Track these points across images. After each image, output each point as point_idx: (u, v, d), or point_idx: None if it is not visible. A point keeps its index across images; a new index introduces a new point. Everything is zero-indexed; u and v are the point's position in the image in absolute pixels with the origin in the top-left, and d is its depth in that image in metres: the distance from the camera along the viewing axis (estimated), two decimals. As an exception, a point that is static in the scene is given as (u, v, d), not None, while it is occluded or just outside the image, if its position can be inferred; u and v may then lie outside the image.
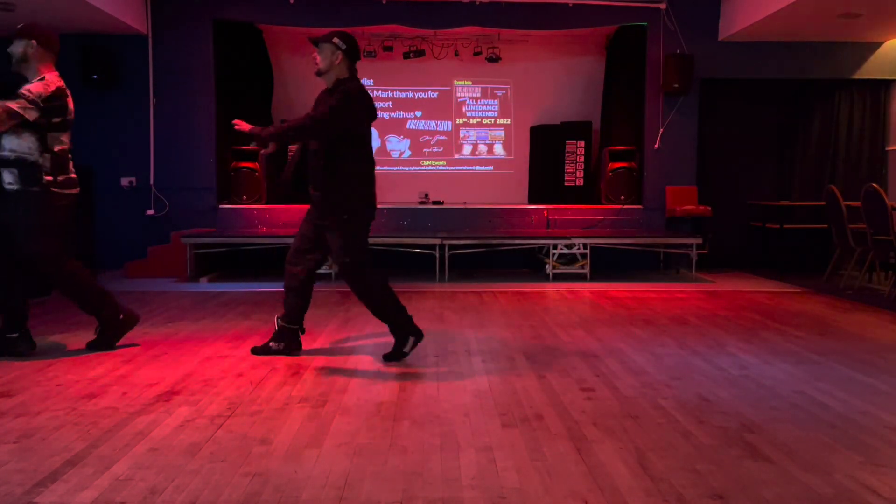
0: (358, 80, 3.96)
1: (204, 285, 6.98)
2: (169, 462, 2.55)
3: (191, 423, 2.97)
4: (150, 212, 8.12)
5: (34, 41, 4.04)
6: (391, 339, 4.50)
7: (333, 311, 5.60)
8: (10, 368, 3.82)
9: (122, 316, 4.24)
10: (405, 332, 4.06)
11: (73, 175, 4.09)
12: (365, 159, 4.01)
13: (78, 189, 4.14)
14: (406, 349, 4.05)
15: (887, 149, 8.56)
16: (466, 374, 3.75)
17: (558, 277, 7.35)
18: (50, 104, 3.90)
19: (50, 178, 3.94)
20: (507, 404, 3.24)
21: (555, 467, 2.52)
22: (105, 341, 4.21)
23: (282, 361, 3.99)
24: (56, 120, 3.94)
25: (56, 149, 3.98)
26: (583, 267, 7.38)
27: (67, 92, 4.04)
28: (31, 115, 3.84)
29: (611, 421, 3.02)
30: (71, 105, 4.05)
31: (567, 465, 2.54)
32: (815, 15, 7.09)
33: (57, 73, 4.07)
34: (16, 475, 2.44)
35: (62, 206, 4.05)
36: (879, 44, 8.26)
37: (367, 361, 4.02)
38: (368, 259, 3.99)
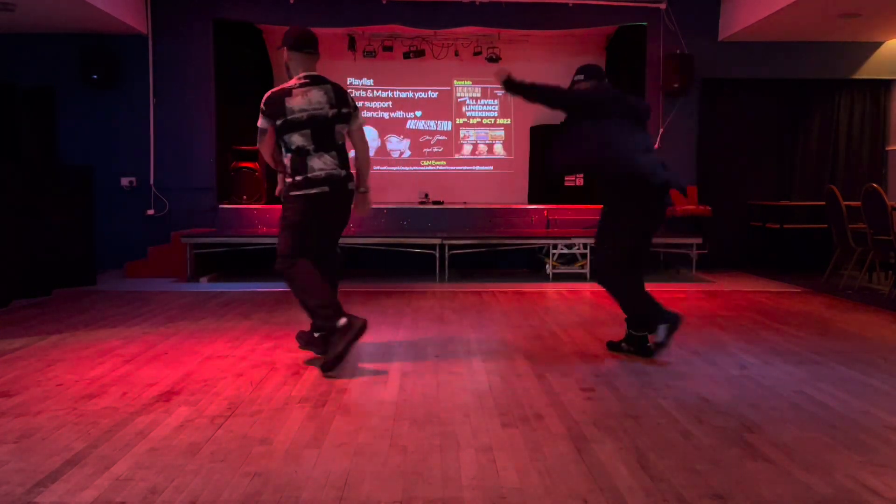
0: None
1: (204, 285, 6.98)
2: (169, 462, 2.55)
3: (191, 423, 2.97)
4: (150, 212, 8.12)
5: (285, 47, 4.01)
6: (390, 340, 4.52)
7: (333, 311, 5.60)
8: (11, 368, 3.82)
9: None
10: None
11: (315, 174, 3.89)
12: None
13: (319, 189, 3.91)
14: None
15: (887, 149, 8.56)
16: (466, 374, 3.75)
17: (558, 277, 7.35)
18: (267, 108, 3.91)
19: (290, 179, 3.92)
20: (507, 404, 3.24)
21: (555, 467, 2.52)
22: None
23: (282, 361, 3.99)
24: (279, 122, 3.89)
25: (293, 148, 3.92)
26: (583, 267, 7.38)
27: (283, 92, 3.91)
28: (259, 122, 3.94)
29: (611, 421, 3.01)
30: (291, 104, 3.87)
31: (567, 465, 2.54)
32: (815, 15, 7.09)
33: (297, 75, 3.99)
34: (16, 475, 2.44)
35: (298, 205, 3.92)
36: (879, 44, 8.26)
37: (367, 361, 4.02)
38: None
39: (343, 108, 3.97)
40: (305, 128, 3.87)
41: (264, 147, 3.99)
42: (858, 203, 6.59)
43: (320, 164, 3.90)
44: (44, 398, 3.30)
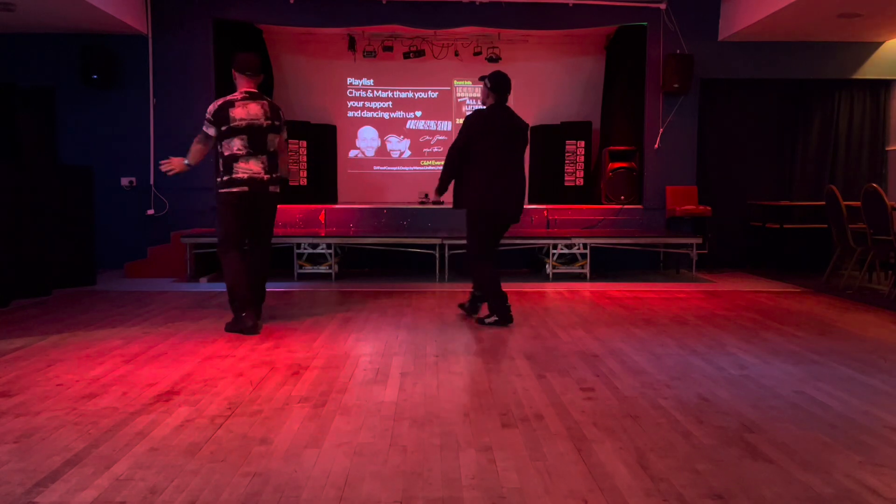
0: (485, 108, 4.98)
1: (204, 285, 6.97)
2: (169, 462, 2.55)
3: (191, 423, 2.97)
4: (150, 212, 8.12)
5: (233, 69, 4.82)
6: (390, 339, 4.52)
7: (333, 311, 5.60)
8: (11, 368, 3.82)
9: None
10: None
11: (238, 175, 4.64)
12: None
13: (239, 188, 4.65)
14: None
15: (887, 149, 8.57)
16: (466, 374, 3.75)
17: (558, 277, 7.35)
18: (214, 117, 4.69)
19: (219, 178, 4.70)
20: (507, 404, 3.24)
21: (555, 467, 2.52)
22: None
23: (282, 361, 3.99)
24: (223, 128, 4.65)
25: (226, 154, 4.67)
26: (583, 267, 7.38)
27: (226, 103, 4.68)
28: (207, 129, 4.71)
29: (611, 421, 3.01)
30: (233, 114, 4.64)
31: (567, 465, 2.54)
32: (815, 15, 7.09)
33: (239, 90, 4.77)
34: (16, 475, 2.44)
35: (223, 200, 4.69)
36: (879, 44, 8.26)
37: (366, 361, 4.02)
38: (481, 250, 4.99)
39: (275, 120, 4.76)
40: (243, 133, 4.63)
41: (203, 147, 4.72)
42: (858, 203, 6.60)
43: (245, 167, 4.64)
44: (44, 398, 3.30)
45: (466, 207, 4.91)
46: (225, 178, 4.65)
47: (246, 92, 4.74)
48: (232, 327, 4.74)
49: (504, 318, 5.01)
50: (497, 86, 4.90)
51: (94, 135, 8.06)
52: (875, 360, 4.07)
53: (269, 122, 4.72)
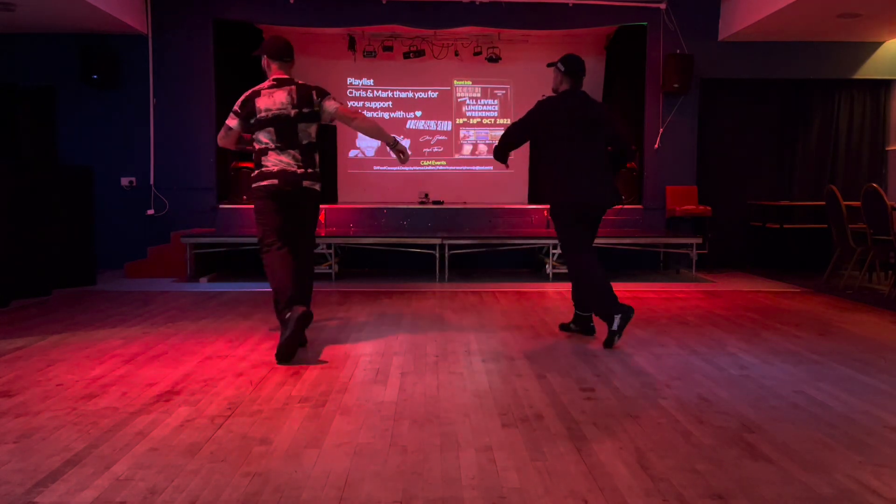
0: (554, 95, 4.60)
1: (204, 285, 6.98)
2: (169, 462, 2.55)
3: (191, 423, 2.97)
4: (150, 212, 8.12)
5: (264, 55, 4.36)
6: (390, 339, 4.52)
7: (333, 311, 5.60)
8: (11, 368, 3.82)
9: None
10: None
11: (268, 168, 4.20)
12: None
13: (269, 181, 4.19)
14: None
15: (887, 149, 8.57)
16: (466, 374, 3.75)
17: (558, 277, 7.35)
18: (241, 109, 4.28)
19: (253, 173, 4.30)
20: (507, 404, 3.24)
21: (555, 467, 2.52)
22: None
23: (282, 361, 3.99)
24: (252, 121, 4.25)
25: (257, 147, 4.28)
26: (583, 267, 7.37)
27: (253, 93, 4.26)
28: (230, 121, 4.31)
29: (611, 421, 3.01)
30: (259, 105, 4.21)
31: (567, 465, 2.54)
32: (815, 15, 7.10)
33: (269, 78, 4.32)
34: (16, 475, 2.44)
35: (257, 196, 4.25)
36: (879, 44, 8.26)
37: (366, 361, 4.02)
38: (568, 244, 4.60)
39: (304, 107, 4.20)
40: (270, 126, 4.19)
41: (226, 141, 4.40)
42: (858, 203, 6.60)
43: (276, 160, 4.19)
44: (44, 398, 3.30)
45: (545, 202, 4.70)
46: (255, 172, 4.24)
47: (274, 79, 4.26)
48: (281, 340, 3.96)
49: (622, 310, 4.33)
50: (571, 69, 4.51)
51: (94, 135, 8.06)
52: (875, 360, 4.07)
53: (297, 110, 4.18)
